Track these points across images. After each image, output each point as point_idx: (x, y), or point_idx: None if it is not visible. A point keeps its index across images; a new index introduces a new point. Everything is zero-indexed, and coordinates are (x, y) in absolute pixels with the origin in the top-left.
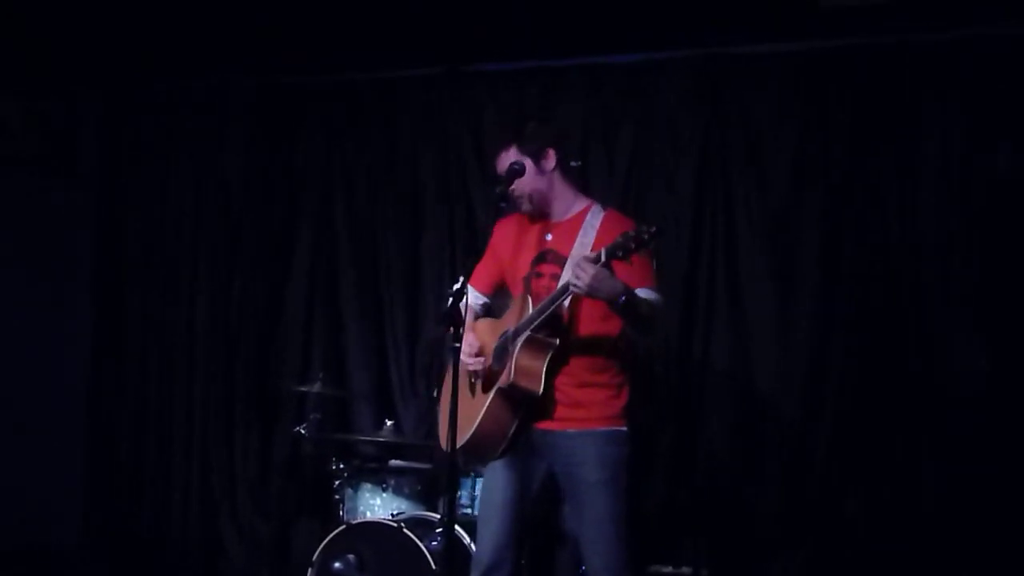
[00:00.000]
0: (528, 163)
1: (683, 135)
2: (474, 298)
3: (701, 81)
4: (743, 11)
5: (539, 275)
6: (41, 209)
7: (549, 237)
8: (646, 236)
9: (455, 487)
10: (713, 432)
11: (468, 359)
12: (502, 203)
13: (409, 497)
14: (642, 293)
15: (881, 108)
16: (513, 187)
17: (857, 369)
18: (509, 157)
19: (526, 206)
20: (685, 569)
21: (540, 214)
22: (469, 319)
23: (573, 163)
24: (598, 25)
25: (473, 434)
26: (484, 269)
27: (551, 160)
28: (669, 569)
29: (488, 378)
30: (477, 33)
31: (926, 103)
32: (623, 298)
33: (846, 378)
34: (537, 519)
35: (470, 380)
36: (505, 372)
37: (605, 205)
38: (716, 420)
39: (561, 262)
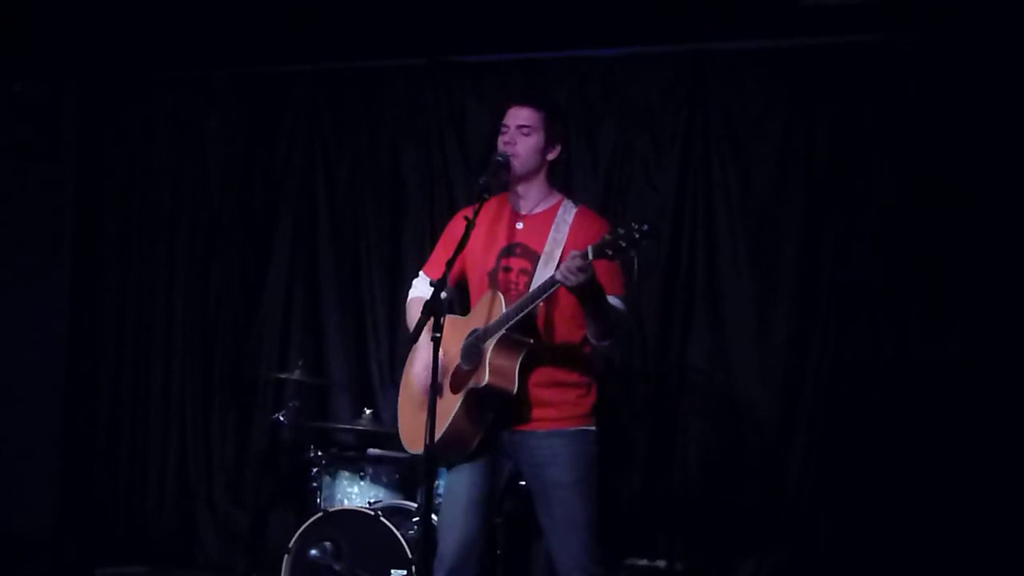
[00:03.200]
0: (542, 135)
1: (666, 131)
2: (429, 290)
3: (684, 77)
4: (727, 7)
5: (507, 269)
6: (20, 193)
7: (520, 226)
8: (637, 235)
9: (433, 476)
10: (691, 429)
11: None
12: (484, 194)
13: (387, 486)
14: (610, 300)
15: (864, 106)
16: (516, 143)
17: (838, 368)
18: (528, 115)
19: (507, 173)
20: (660, 562)
21: (514, 196)
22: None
23: None
24: (581, 18)
25: (443, 435)
26: (443, 259)
27: (556, 152)
28: (644, 562)
29: (456, 378)
30: (460, 24)
31: (910, 100)
32: (596, 298)
33: (826, 377)
34: (509, 514)
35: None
36: (478, 373)
37: (577, 202)
38: (694, 417)
39: (531, 257)
